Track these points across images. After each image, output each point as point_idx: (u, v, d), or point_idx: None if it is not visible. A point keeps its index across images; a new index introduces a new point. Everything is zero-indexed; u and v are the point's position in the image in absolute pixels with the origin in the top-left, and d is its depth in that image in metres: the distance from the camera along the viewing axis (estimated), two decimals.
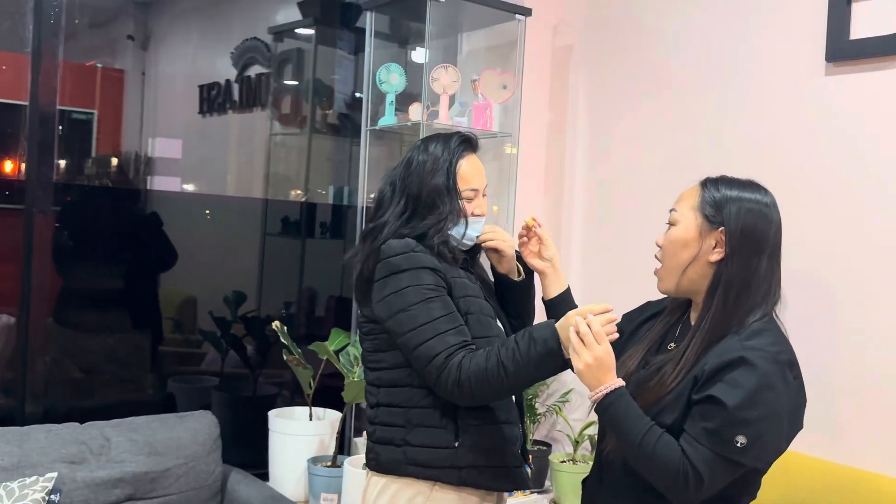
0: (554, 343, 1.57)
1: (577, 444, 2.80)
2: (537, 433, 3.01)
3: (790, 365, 1.49)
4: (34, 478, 2.18)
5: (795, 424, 1.53)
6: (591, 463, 2.07)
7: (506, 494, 1.93)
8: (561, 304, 1.85)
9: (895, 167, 2.19)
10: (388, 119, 2.88)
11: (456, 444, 1.70)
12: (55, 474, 2.21)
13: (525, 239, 1.93)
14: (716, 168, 2.45)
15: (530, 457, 2.82)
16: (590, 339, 1.48)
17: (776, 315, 1.58)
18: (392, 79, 2.83)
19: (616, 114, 2.98)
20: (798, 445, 2.31)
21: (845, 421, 2.27)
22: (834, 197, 2.31)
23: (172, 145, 3.15)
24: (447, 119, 2.86)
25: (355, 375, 2.60)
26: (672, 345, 1.61)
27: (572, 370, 1.54)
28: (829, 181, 2.33)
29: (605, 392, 1.49)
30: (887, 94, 2.21)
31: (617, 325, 1.57)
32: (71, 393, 2.77)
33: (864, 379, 2.23)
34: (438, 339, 1.66)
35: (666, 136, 2.79)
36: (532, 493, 2.82)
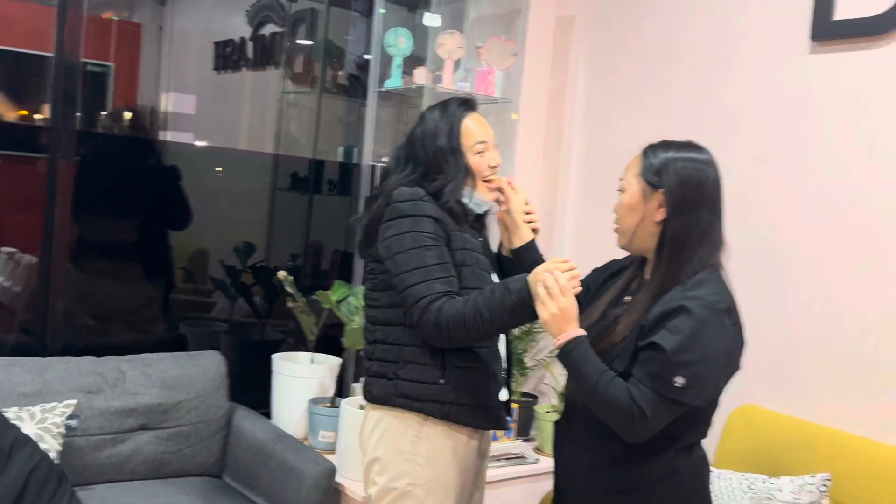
0: (526, 293, 1.72)
1: (562, 396, 2.96)
2: (525, 386, 3.17)
3: (728, 312, 1.63)
4: (53, 404, 2.36)
5: (732, 366, 1.67)
6: None
7: (490, 435, 2.10)
8: (525, 253, 2.00)
9: (875, 145, 2.31)
10: (395, 81, 3.00)
11: (441, 381, 1.86)
12: (74, 401, 2.39)
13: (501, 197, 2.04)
14: (704, 139, 2.59)
15: (516, 405, 2.99)
16: (555, 292, 1.64)
17: (721, 264, 1.71)
18: (400, 42, 2.94)
19: (614, 83, 3.10)
20: (760, 400, 2.49)
21: (804, 378, 2.43)
22: (815, 173, 2.44)
23: (187, 101, 3.25)
24: (451, 84, 2.98)
25: (355, 323, 2.76)
26: (628, 298, 1.76)
27: (533, 318, 1.71)
28: (810, 157, 2.45)
29: (565, 339, 1.64)
30: (869, 74, 2.33)
31: (584, 280, 1.73)
32: (87, 332, 2.93)
33: (821, 339, 2.39)
34: (426, 284, 1.80)
35: (660, 107, 2.91)
36: (518, 439, 3.01)
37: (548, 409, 2.97)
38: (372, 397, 1.93)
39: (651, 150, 1.74)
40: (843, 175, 2.37)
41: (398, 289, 1.84)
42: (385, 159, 3.18)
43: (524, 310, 1.74)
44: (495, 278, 2.00)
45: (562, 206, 3.28)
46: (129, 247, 3.10)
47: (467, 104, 2.00)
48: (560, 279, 1.65)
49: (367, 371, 1.97)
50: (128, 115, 3.11)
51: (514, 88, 3.13)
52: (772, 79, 2.56)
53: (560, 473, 1.83)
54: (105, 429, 2.47)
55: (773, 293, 2.52)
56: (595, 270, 1.95)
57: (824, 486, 2.13)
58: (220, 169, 3.31)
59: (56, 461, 2.24)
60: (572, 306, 1.65)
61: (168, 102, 3.16)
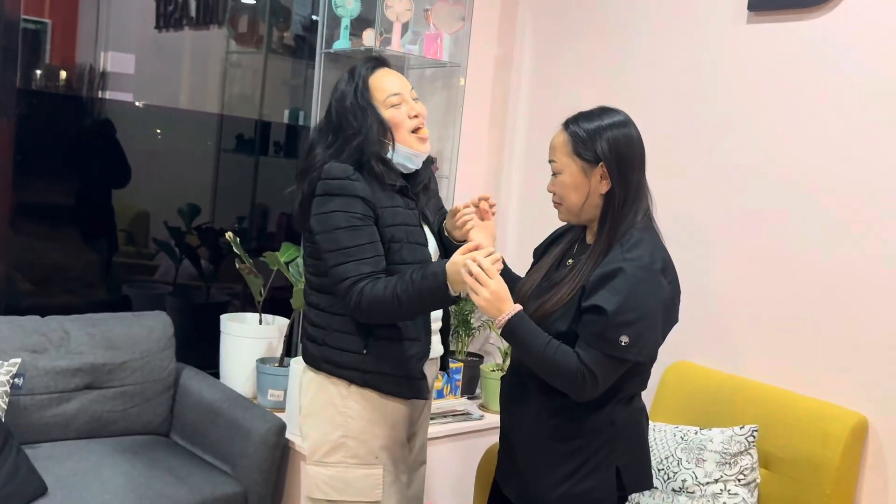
0: (442, 278, 1.75)
1: (505, 355, 3.05)
2: (471, 346, 3.25)
3: (664, 271, 1.72)
4: None
5: (671, 320, 1.77)
6: None
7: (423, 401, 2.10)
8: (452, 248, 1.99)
9: (808, 114, 2.42)
10: (343, 43, 2.99)
11: (364, 352, 1.90)
12: (19, 360, 2.37)
13: (469, 216, 2.00)
14: (647, 108, 2.67)
15: (461, 363, 3.07)
16: (483, 277, 1.68)
17: (652, 217, 1.80)
18: (348, 3, 2.93)
19: (560, 50, 3.15)
20: (693, 357, 2.61)
21: (734, 336, 2.56)
22: (748, 140, 2.55)
23: (126, 60, 3.18)
24: (399, 46, 2.99)
25: (302, 284, 2.78)
26: (570, 261, 1.84)
27: (456, 304, 1.75)
28: (744, 124, 2.55)
29: (506, 319, 1.69)
30: (805, 44, 2.42)
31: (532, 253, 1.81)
32: (29, 295, 2.89)
33: (749, 299, 2.51)
34: (353, 265, 1.83)
35: (604, 74, 2.98)
36: (464, 397, 3.09)
37: (493, 368, 3.05)
38: (306, 357, 1.99)
39: (573, 124, 1.77)
40: (776, 141, 2.48)
41: (327, 264, 1.87)
42: None
43: (441, 294, 1.77)
44: (433, 247, 2.03)
45: (507, 171, 3.34)
46: (69, 209, 3.04)
47: (374, 61, 1.98)
48: (484, 263, 1.69)
49: (303, 332, 2.03)
50: (63, 73, 3.03)
51: (462, 53, 3.16)
52: (710, 48, 2.64)
53: (505, 425, 1.91)
54: (50, 388, 2.46)
55: (703, 257, 2.63)
56: (539, 245, 2.01)
57: (752, 436, 2.26)
58: (160, 131, 3.25)
59: (1, 420, 2.23)
60: (503, 287, 1.70)
61: (107, 61, 3.09)
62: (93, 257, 3.13)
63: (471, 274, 1.68)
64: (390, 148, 1.93)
